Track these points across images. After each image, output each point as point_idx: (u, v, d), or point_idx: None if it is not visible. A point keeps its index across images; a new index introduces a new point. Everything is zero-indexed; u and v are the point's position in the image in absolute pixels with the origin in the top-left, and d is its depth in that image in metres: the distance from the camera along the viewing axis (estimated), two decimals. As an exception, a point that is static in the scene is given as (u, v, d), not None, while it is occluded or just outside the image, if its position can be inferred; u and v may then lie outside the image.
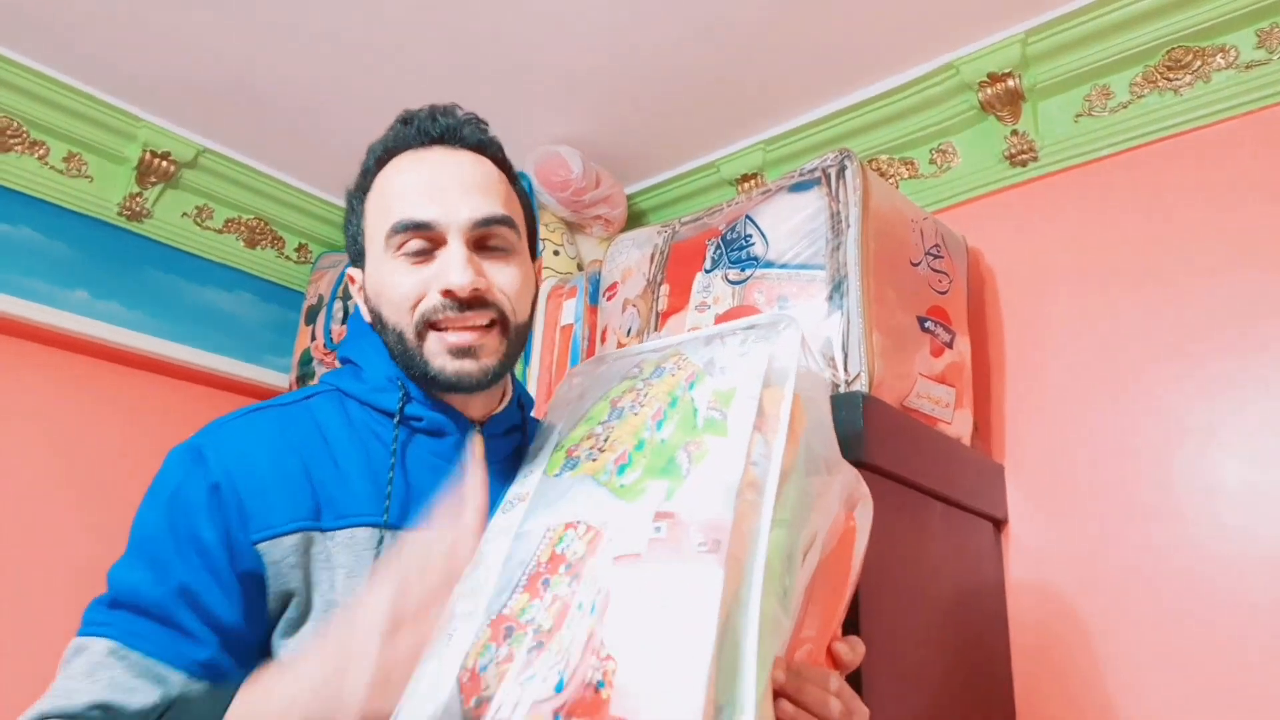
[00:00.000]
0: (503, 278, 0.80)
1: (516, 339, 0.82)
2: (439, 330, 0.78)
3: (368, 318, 0.84)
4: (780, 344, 0.69)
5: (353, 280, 0.87)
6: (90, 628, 0.71)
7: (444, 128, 0.82)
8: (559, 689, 0.55)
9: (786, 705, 0.61)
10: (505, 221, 0.80)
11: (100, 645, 0.70)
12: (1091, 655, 1.31)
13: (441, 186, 0.79)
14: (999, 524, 1.43)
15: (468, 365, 0.78)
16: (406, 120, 0.83)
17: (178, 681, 0.70)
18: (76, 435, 1.89)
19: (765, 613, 0.56)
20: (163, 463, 0.78)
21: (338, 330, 2.03)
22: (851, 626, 0.91)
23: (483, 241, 0.80)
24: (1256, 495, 1.24)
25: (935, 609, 1.23)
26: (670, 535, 0.58)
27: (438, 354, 0.78)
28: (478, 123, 0.85)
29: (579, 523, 0.64)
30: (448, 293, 0.76)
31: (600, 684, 0.53)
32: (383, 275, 0.80)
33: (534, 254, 0.89)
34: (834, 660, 0.70)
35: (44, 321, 1.82)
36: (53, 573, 1.79)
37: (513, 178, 0.87)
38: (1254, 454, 1.25)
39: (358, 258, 0.86)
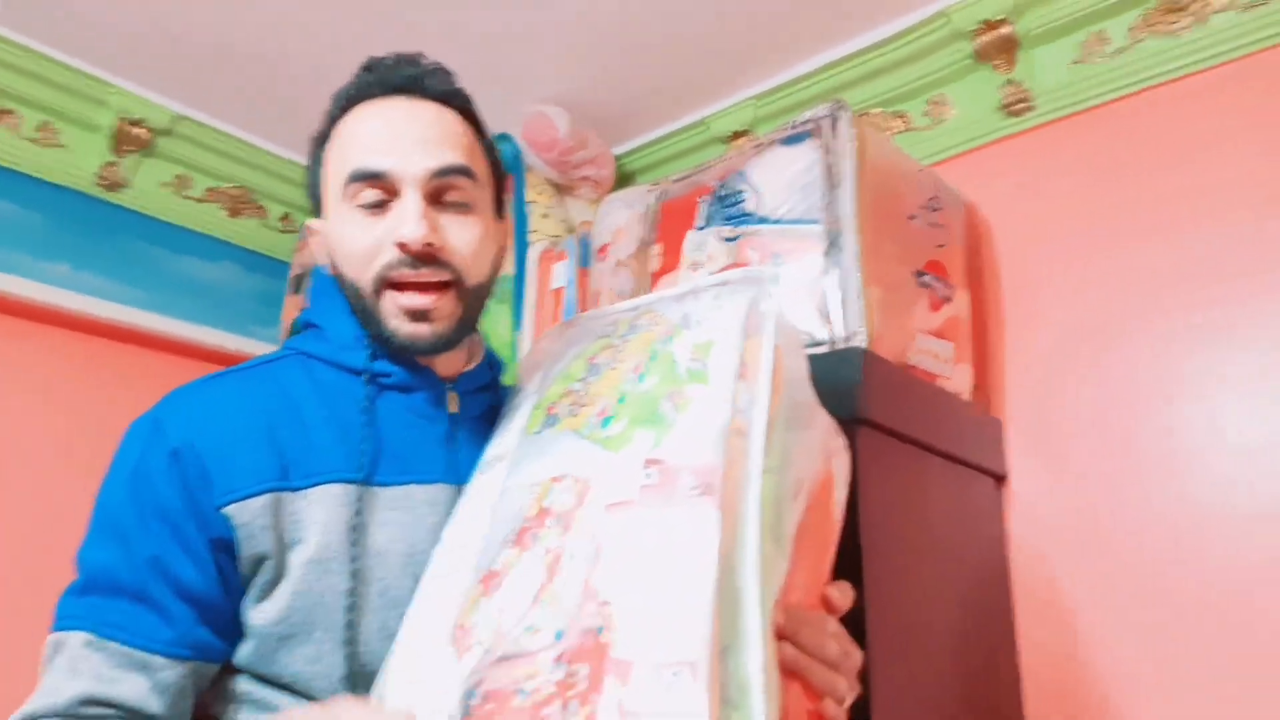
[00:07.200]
0: (459, 235, 0.77)
1: (474, 300, 0.80)
2: (396, 289, 0.76)
3: (330, 273, 0.83)
4: (756, 297, 0.69)
5: (313, 232, 0.85)
6: (64, 621, 0.70)
7: (406, 77, 0.80)
8: (558, 637, 0.54)
9: (786, 647, 0.61)
10: (463, 171, 0.78)
11: (76, 639, 0.69)
12: (1094, 608, 1.31)
13: (399, 136, 0.77)
14: (999, 479, 1.42)
15: (421, 329, 0.76)
16: (370, 68, 0.81)
17: (162, 664, 0.68)
18: (62, 411, 1.85)
19: (762, 553, 0.55)
20: (123, 437, 0.77)
21: (324, 299, 1.99)
22: (855, 583, 0.89)
23: (440, 194, 0.78)
24: (1256, 447, 1.23)
25: (939, 565, 1.23)
26: (662, 480, 0.57)
27: (392, 315, 0.77)
28: (443, 73, 0.82)
29: (565, 475, 0.63)
30: (401, 246, 0.74)
31: (600, 629, 0.52)
32: (340, 227, 0.78)
33: (501, 212, 0.87)
34: (826, 605, 0.70)
35: (27, 296, 1.77)
36: (37, 545, 1.76)
37: (480, 131, 0.84)
38: (1253, 405, 1.24)
39: (318, 208, 0.84)
